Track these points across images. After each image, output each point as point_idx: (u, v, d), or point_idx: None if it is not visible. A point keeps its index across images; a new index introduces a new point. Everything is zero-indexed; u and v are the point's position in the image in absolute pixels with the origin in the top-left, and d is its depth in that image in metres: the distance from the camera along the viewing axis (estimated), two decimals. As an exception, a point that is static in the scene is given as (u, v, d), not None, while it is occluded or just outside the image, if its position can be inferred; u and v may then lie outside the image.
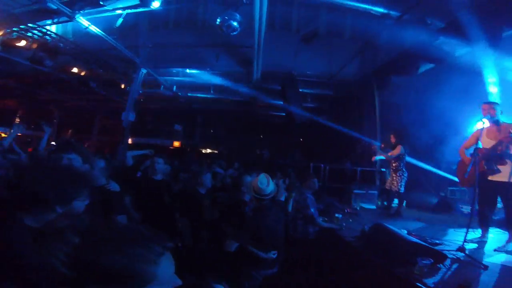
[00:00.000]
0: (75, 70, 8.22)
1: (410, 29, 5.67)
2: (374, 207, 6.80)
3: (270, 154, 12.56)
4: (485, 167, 3.73)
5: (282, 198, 3.27)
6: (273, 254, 2.82)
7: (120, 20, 5.46)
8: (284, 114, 10.70)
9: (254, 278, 2.86)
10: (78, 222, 1.46)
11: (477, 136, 3.74)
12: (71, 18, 5.07)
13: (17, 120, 14.38)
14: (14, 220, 1.29)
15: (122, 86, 10.89)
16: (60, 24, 6.60)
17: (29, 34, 6.34)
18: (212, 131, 16.54)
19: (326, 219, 4.61)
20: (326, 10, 7.73)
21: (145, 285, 0.83)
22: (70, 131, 16.08)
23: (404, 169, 5.65)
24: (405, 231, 3.92)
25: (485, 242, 3.94)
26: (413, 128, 6.32)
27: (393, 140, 5.85)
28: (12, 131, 3.81)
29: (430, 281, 2.64)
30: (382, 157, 6.04)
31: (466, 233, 3.47)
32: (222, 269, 2.82)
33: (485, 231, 4.00)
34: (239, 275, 2.85)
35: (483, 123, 3.73)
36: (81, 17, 5.17)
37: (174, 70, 9.61)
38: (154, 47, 8.24)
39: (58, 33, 6.98)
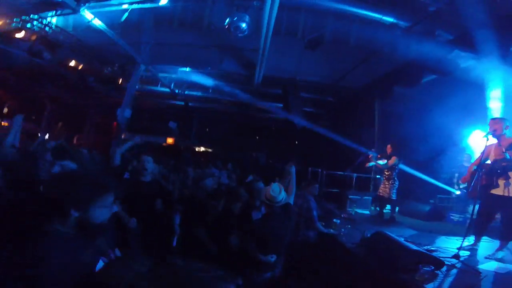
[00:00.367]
0: (72, 64, 8.05)
1: (417, 40, 5.75)
2: (368, 212, 6.94)
3: (266, 157, 12.57)
4: (486, 181, 3.86)
5: (291, 201, 3.30)
6: (271, 257, 2.86)
7: (125, 15, 5.37)
8: (283, 118, 10.74)
9: (253, 280, 2.89)
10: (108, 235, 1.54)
11: (488, 152, 3.89)
12: (75, 11, 4.99)
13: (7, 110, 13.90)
14: (42, 224, 1.34)
15: (120, 81, 10.76)
16: (61, 17, 6.44)
17: (29, 25, 6.16)
18: (207, 130, 16.43)
19: (323, 224, 4.67)
20: (333, 18, 7.80)
21: None
22: (60, 124, 15.67)
23: (396, 178, 5.87)
24: (402, 239, 4.01)
25: (476, 249, 4.07)
26: (411, 138, 6.44)
27: (389, 150, 6.01)
28: (13, 124, 3.47)
29: (430, 286, 2.76)
30: (379, 162, 6.16)
31: (463, 241, 3.60)
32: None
33: (478, 240, 4.15)
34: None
35: (487, 139, 3.83)
36: (85, 10, 5.07)
37: (174, 68, 9.53)
38: (156, 44, 8.15)
39: (59, 26, 6.82)
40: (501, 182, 3.78)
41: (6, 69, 9.50)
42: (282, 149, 13.81)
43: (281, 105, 9.47)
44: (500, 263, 3.59)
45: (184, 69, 9.44)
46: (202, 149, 15.99)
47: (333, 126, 9.35)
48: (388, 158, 5.90)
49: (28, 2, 4.51)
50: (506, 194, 3.71)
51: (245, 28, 5.66)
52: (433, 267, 2.92)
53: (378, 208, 6.37)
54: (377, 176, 7.93)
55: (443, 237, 4.86)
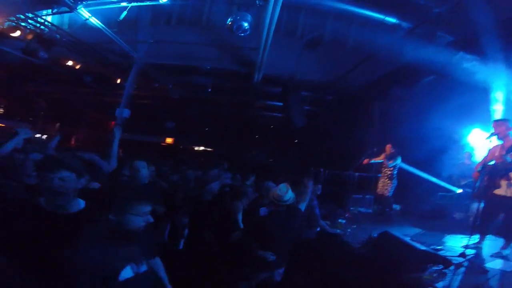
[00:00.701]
0: (70, 63, 7.88)
1: (417, 41, 5.73)
2: (370, 211, 6.93)
3: (264, 156, 12.52)
4: (489, 182, 3.89)
5: (302, 207, 3.26)
6: (270, 255, 2.85)
7: (124, 13, 5.25)
8: (282, 116, 10.70)
9: (250, 280, 2.95)
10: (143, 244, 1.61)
11: (492, 153, 3.92)
12: (71, 9, 4.87)
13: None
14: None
15: (118, 81, 10.62)
16: (56, 16, 6.27)
17: (23, 24, 5.99)
18: (206, 129, 16.32)
19: (328, 223, 4.65)
20: (333, 18, 7.75)
21: None
22: (57, 125, 15.49)
23: (395, 177, 5.84)
24: (409, 238, 3.99)
25: (481, 248, 4.08)
26: (410, 138, 6.42)
27: (388, 149, 6.01)
28: (16, 135, 2.93)
29: (440, 285, 2.79)
30: (378, 161, 6.16)
31: (469, 240, 3.59)
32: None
33: (482, 238, 4.14)
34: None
35: (490, 141, 3.88)
36: (82, 8, 4.96)
37: (172, 66, 9.41)
38: (154, 42, 8.02)
39: (55, 24, 6.66)
40: (503, 183, 3.80)
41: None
42: (282, 148, 13.76)
43: (281, 103, 9.41)
44: (505, 261, 3.60)
45: (182, 67, 9.33)
46: (202, 148, 15.88)
47: (332, 125, 9.32)
48: (390, 157, 5.90)
49: (24, 0, 4.37)
50: (509, 194, 3.74)
51: (247, 27, 5.59)
52: (441, 266, 2.91)
53: (380, 207, 6.37)
54: (378, 175, 7.92)
55: (447, 236, 4.87)
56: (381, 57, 7.08)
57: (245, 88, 9.37)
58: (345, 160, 8.01)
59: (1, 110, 14.79)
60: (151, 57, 8.76)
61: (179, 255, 3.43)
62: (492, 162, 3.95)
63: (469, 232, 3.95)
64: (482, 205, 3.91)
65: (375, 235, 4.12)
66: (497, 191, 3.84)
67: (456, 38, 5.73)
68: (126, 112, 9.16)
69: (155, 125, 15.61)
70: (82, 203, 1.75)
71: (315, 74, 8.83)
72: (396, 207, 6.72)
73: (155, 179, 4.17)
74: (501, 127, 3.88)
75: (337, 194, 7.21)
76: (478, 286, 2.79)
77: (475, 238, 4.19)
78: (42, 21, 6.05)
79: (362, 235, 4.52)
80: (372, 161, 6.26)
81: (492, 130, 3.95)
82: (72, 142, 15.56)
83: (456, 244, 4.33)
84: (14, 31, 5.86)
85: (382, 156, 6.21)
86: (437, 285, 2.79)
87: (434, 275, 2.87)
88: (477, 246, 4.08)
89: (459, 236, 4.68)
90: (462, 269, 3.21)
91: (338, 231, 4.66)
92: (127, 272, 1.48)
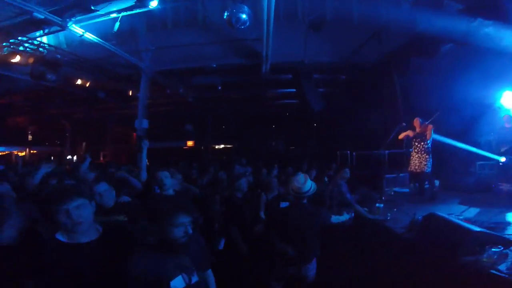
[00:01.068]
0: (79, 81, 7.98)
1: (426, 11, 5.32)
2: (407, 190, 6.32)
3: (284, 144, 12.16)
4: None
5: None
6: (291, 249, 2.71)
7: (117, 24, 5.08)
8: (296, 102, 10.24)
9: (279, 275, 2.85)
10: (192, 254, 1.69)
11: None
12: (63, 27, 4.77)
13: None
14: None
15: (130, 93, 10.73)
16: (51, 36, 6.28)
17: (21, 48, 6.05)
18: (224, 127, 16.26)
19: (366, 209, 4.26)
20: None
21: None
22: (84, 144, 16.20)
23: (431, 150, 5.26)
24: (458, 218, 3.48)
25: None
26: (439, 110, 5.81)
27: (416, 123, 5.41)
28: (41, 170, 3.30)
29: (503, 267, 2.44)
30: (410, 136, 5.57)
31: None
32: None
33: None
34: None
35: None
36: (73, 25, 4.84)
37: (179, 70, 9.28)
38: (156, 49, 7.88)
39: (52, 44, 6.69)
40: None
41: (17, 95, 9.76)
42: (300, 135, 13.31)
43: (294, 90, 8.94)
44: None
45: (189, 69, 9.16)
46: (222, 146, 15.87)
47: (351, 105, 8.71)
48: (423, 130, 5.29)
49: (11, 24, 4.32)
50: None
51: (245, 19, 5.25)
52: (501, 247, 2.57)
53: (417, 185, 5.77)
54: (410, 150, 7.26)
55: (495, 210, 4.26)
56: (392, 30, 6.80)
57: (255, 80, 9.00)
58: (372, 139, 7.41)
59: (30, 137, 15.69)
60: (157, 64, 8.69)
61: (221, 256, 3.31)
62: None
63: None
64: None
65: (420, 217, 3.65)
66: None
67: (465, 5, 5.18)
68: (145, 123, 9.23)
69: (174, 130, 15.82)
70: (99, 228, 1.71)
71: (325, 56, 8.36)
72: (436, 182, 6.06)
73: (185, 186, 4.28)
74: None
75: (368, 176, 6.67)
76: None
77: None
78: (38, 43, 6.06)
79: (405, 219, 4.07)
80: (404, 138, 5.67)
81: None
82: (101, 159, 16.19)
83: (508, 219, 3.81)
84: (13, 57, 5.90)
85: (412, 131, 5.58)
86: (499, 267, 2.42)
87: (494, 257, 2.53)
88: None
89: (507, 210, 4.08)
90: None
91: (378, 217, 4.23)
92: (178, 282, 1.53)
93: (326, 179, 5.41)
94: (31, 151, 14.94)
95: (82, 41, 5.58)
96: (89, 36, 5.46)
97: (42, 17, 4.11)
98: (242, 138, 13.60)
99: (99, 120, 15.88)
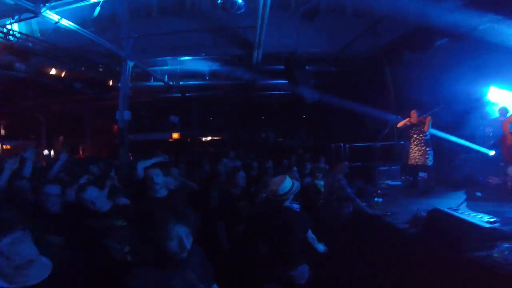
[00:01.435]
0: (53, 71, 7.30)
1: (424, 3, 5.31)
2: (399, 183, 6.40)
3: (274, 137, 12.04)
4: None
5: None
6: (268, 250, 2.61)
7: (97, 10, 4.59)
8: (287, 93, 10.05)
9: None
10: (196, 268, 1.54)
11: None
12: (36, 14, 4.24)
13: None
14: None
15: (110, 83, 10.08)
16: (23, 23, 5.65)
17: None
18: (211, 118, 15.84)
19: (365, 204, 4.23)
20: None
21: None
22: (61, 138, 15.27)
23: (430, 142, 5.27)
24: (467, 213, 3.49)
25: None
26: (431, 103, 5.90)
27: (413, 115, 5.40)
28: (27, 157, 3.17)
29: None
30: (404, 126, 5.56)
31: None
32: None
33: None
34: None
35: None
36: (48, 11, 4.31)
37: (164, 59, 8.77)
38: (139, 37, 7.33)
39: (23, 32, 6.03)
40: None
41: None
42: (290, 126, 13.21)
43: (285, 81, 8.72)
44: None
45: (175, 58, 8.67)
46: (209, 138, 15.48)
47: (343, 97, 8.66)
48: (421, 121, 5.28)
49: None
50: None
51: (242, 3, 4.91)
52: None
53: (411, 178, 5.83)
54: (401, 142, 7.34)
55: (491, 204, 4.33)
56: (387, 22, 6.72)
57: (245, 69, 8.68)
58: (365, 131, 7.43)
59: (3, 131, 14.59)
60: (139, 53, 8.13)
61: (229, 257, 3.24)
62: None
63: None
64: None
65: (423, 213, 3.64)
66: None
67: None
68: (127, 114, 8.71)
69: (158, 122, 15.23)
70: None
71: (318, 47, 8.17)
72: (423, 175, 6.15)
73: (182, 182, 4.04)
74: None
75: (360, 168, 6.69)
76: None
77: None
78: (6, 31, 5.41)
79: (405, 214, 4.06)
80: (403, 126, 5.66)
81: None
82: (80, 153, 15.37)
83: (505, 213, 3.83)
84: None
85: (409, 121, 5.58)
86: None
87: (506, 252, 2.55)
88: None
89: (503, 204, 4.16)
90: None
91: (378, 211, 4.20)
92: None
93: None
94: (4, 147, 13.92)
95: (58, 29, 5.03)
96: (65, 23, 4.91)
97: (12, 2, 3.60)
98: (230, 130, 13.31)
99: (77, 112, 14.96)
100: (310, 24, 7.46)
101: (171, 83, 10.69)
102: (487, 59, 5.58)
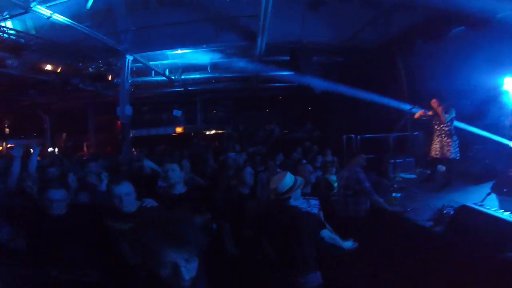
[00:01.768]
0: (49, 67, 7.04)
1: None
2: (414, 176, 6.13)
3: (280, 128, 11.72)
4: None
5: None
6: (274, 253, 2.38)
7: (90, 2, 4.31)
8: (292, 85, 9.72)
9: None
10: None
11: None
12: (26, 9, 3.98)
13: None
14: None
15: (109, 78, 9.84)
16: (18, 21, 5.41)
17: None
18: (214, 111, 15.57)
19: (382, 200, 3.98)
20: None
21: None
22: (64, 135, 15.20)
23: (454, 133, 4.94)
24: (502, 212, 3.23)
25: None
26: (446, 94, 5.57)
27: (435, 104, 5.07)
28: (32, 151, 3.28)
29: None
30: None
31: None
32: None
33: None
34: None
35: None
36: (38, 6, 4.05)
37: (164, 52, 8.47)
38: (137, 30, 7.03)
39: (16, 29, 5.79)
40: None
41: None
42: (295, 118, 12.90)
43: (291, 72, 8.38)
44: None
45: (175, 51, 8.37)
46: (213, 132, 15.27)
47: (350, 87, 8.32)
48: (444, 111, 4.96)
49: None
50: None
51: None
52: None
53: (427, 171, 5.56)
54: (415, 133, 7.02)
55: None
56: (396, 12, 6.52)
57: (248, 61, 8.35)
58: (376, 122, 7.11)
59: (7, 130, 14.57)
60: (139, 47, 7.84)
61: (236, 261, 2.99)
62: None
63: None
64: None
65: (449, 210, 3.39)
66: None
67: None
68: (128, 109, 8.52)
69: (162, 116, 15.04)
70: None
71: (324, 36, 7.78)
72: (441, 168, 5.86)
73: (190, 177, 3.87)
74: None
75: (372, 161, 6.43)
76: None
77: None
78: (-1, 28, 5.17)
79: (427, 210, 3.82)
80: (424, 117, 5.36)
81: None
82: (85, 149, 15.31)
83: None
84: None
85: (431, 112, 5.27)
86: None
87: None
88: None
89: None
90: None
91: (397, 208, 3.95)
92: None
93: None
94: (8, 145, 13.93)
95: (53, 26, 4.76)
96: (58, 17, 4.64)
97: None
98: (234, 123, 13.06)
99: (81, 109, 14.82)
100: (316, 13, 7.11)
101: (173, 77, 10.42)
102: (503, 48, 5.29)
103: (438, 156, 5.14)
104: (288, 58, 8.12)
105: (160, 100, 14.10)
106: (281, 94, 13.50)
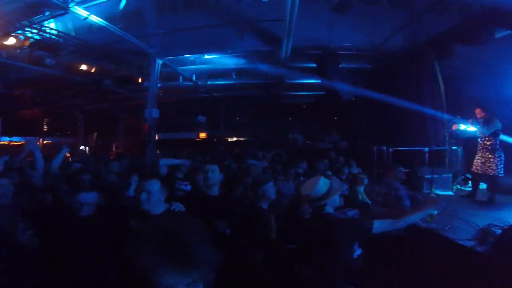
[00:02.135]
0: (83, 67, 7.39)
1: None
2: (451, 193, 5.59)
3: (303, 137, 11.40)
4: None
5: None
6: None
7: (123, 2, 4.47)
8: (317, 93, 9.46)
9: None
10: None
11: None
12: (66, 10, 4.18)
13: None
14: None
15: (140, 80, 10.17)
16: (60, 22, 5.74)
17: (29, 35, 5.54)
18: (237, 118, 15.65)
19: None
20: None
21: None
22: (94, 135, 15.97)
23: (501, 149, 4.44)
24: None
25: None
26: (490, 102, 5.05)
27: (479, 114, 4.60)
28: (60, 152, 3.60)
29: None
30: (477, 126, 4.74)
31: None
32: None
33: None
34: None
35: None
36: (76, 7, 4.24)
37: (191, 57, 8.61)
38: (166, 34, 7.20)
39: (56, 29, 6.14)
40: None
41: (28, 87, 9.38)
42: (320, 128, 12.53)
43: (316, 79, 8.14)
44: None
45: (202, 56, 8.48)
46: (235, 138, 15.30)
47: (381, 95, 7.91)
48: (485, 122, 4.50)
49: (11, 10, 3.81)
50: None
51: None
52: None
53: (471, 189, 5.03)
54: (453, 148, 6.46)
55: None
56: (430, 14, 6.17)
57: (273, 66, 8.24)
58: (409, 133, 6.64)
59: (45, 127, 15.59)
60: (168, 51, 8.03)
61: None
62: None
63: None
64: None
65: (495, 229, 3.04)
66: None
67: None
68: (155, 112, 8.70)
69: (186, 121, 15.34)
70: None
71: (352, 41, 7.51)
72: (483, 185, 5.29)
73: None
74: None
75: (407, 175, 5.97)
76: None
77: None
78: (39, 27, 5.51)
79: (466, 228, 3.45)
80: (463, 129, 4.92)
81: None
82: (113, 150, 15.96)
83: None
84: (6, 39, 5.32)
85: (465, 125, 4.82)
86: None
87: None
88: None
89: None
90: None
91: (434, 225, 3.59)
92: None
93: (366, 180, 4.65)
94: (45, 142, 14.89)
95: (91, 27, 4.99)
96: (94, 18, 4.85)
97: (43, -1, 3.55)
98: (256, 131, 12.97)
99: (112, 111, 15.56)
100: (344, 17, 6.79)
101: (199, 83, 10.58)
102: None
103: (479, 172, 4.64)
104: (314, 64, 7.89)
105: (185, 105, 14.42)
106: (305, 102, 13.23)
